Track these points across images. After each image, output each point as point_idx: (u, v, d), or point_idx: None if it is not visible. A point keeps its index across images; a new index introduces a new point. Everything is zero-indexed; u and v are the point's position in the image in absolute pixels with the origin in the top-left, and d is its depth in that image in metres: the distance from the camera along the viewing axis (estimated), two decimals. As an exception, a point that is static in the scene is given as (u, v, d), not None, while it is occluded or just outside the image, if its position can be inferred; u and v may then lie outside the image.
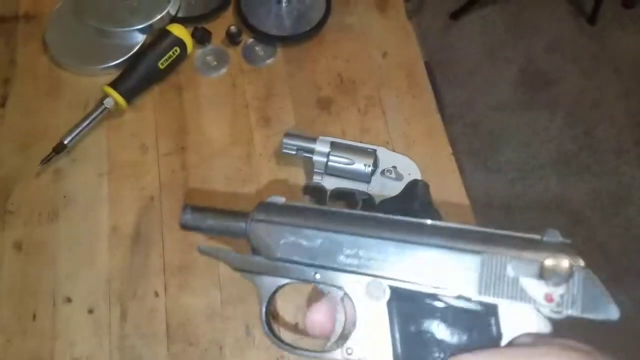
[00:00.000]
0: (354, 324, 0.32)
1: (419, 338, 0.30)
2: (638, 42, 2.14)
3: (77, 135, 0.76)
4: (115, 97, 0.77)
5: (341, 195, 0.73)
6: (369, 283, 0.31)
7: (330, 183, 0.73)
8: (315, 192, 0.74)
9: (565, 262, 0.27)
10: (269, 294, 0.38)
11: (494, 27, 2.20)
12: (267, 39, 0.86)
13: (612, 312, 0.27)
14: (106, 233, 0.72)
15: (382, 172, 0.73)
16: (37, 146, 0.76)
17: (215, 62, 0.84)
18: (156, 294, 0.69)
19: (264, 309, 0.39)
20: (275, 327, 0.37)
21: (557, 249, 0.28)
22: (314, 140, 0.74)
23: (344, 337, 0.33)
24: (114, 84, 0.77)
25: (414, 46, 0.88)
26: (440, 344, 0.29)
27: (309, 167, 0.74)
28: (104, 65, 0.82)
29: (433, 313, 0.29)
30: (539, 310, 0.27)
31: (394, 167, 0.73)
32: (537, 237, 0.29)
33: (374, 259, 0.32)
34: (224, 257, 0.40)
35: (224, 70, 0.84)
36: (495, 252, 0.28)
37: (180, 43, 0.81)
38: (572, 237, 0.29)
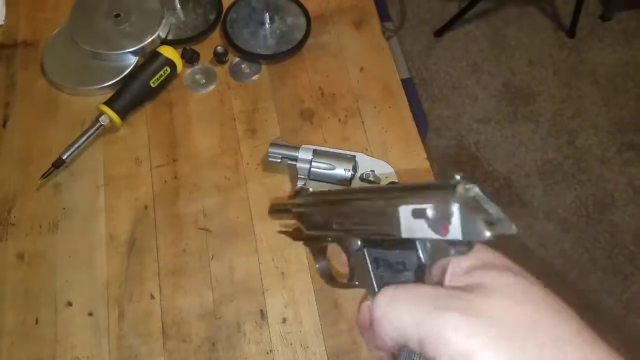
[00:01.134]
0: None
1: (386, 269, 0.40)
2: (615, 53, 2.22)
3: (74, 150, 0.81)
4: (110, 115, 0.82)
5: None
6: (351, 240, 0.42)
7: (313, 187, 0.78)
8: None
9: (446, 196, 0.32)
10: (315, 254, 0.53)
11: (477, 43, 2.27)
12: (252, 58, 0.92)
13: (483, 235, 0.30)
14: (104, 241, 0.77)
15: (361, 176, 0.78)
16: (37, 163, 0.81)
17: (203, 80, 0.90)
18: (152, 296, 0.74)
19: (317, 265, 0.53)
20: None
21: (445, 189, 0.32)
22: (297, 148, 0.79)
23: (352, 274, 0.44)
24: (108, 102, 0.83)
25: (388, 61, 0.93)
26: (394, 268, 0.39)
27: (294, 173, 0.79)
28: (99, 86, 0.87)
29: (386, 250, 0.40)
30: (446, 241, 0.33)
31: (372, 171, 0.78)
32: (433, 183, 0.36)
33: (345, 222, 0.43)
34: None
35: (212, 87, 0.89)
36: (406, 201, 0.35)
37: (171, 63, 0.86)
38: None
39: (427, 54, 2.25)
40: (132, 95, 0.84)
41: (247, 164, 0.83)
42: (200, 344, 0.71)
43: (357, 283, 0.43)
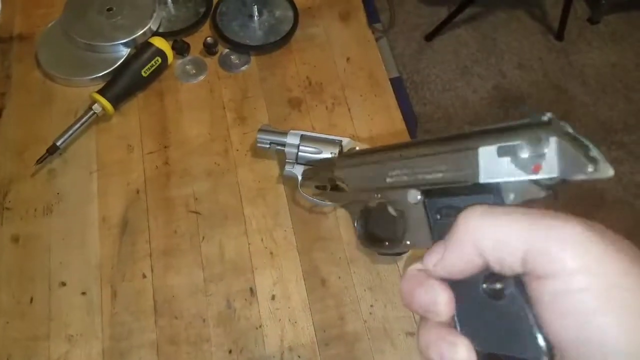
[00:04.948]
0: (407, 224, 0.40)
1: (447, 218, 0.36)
2: (603, 55, 2.25)
3: (68, 137, 0.83)
4: (103, 103, 0.84)
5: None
6: (408, 192, 0.39)
7: (301, 171, 0.80)
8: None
9: (540, 133, 0.29)
10: (357, 215, 0.49)
11: (467, 47, 2.31)
12: (242, 49, 0.94)
13: (585, 168, 0.28)
14: (96, 224, 0.79)
15: (348, 159, 0.80)
16: (32, 150, 0.84)
17: (194, 71, 0.92)
18: (144, 276, 0.75)
19: (357, 226, 0.49)
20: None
21: (537, 125, 0.30)
22: (285, 134, 0.81)
23: (403, 234, 0.41)
24: (101, 91, 0.85)
25: (374, 51, 0.96)
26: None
27: (282, 158, 0.81)
28: (92, 77, 0.90)
29: (453, 197, 0.36)
30: (534, 182, 0.30)
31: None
32: (519, 122, 0.32)
33: (406, 174, 0.40)
34: (325, 194, 0.59)
35: (202, 77, 0.92)
36: (487, 142, 0.32)
37: (162, 54, 0.89)
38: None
39: (417, 58, 2.28)
40: (124, 85, 0.87)
41: (237, 150, 0.86)
42: (191, 320, 0.72)
43: (407, 242, 0.40)
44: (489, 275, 0.31)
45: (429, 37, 2.30)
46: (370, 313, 0.73)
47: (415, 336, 0.70)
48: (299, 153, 0.79)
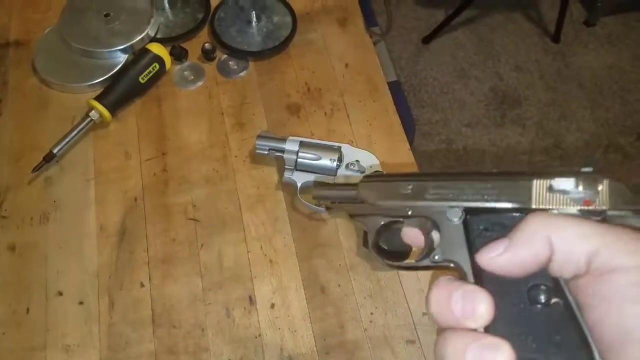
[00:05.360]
0: (439, 241, 0.40)
1: (499, 232, 0.37)
2: (599, 57, 2.26)
3: (65, 144, 0.82)
4: (100, 110, 0.84)
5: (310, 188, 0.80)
6: (448, 208, 0.40)
7: (300, 178, 0.80)
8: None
9: (595, 176, 0.33)
10: (375, 229, 0.48)
11: (464, 49, 2.31)
12: (240, 55, 0.94)
13: (632, 201, 0.32)
14: (94, 232, 0.78)
15: (347, 166, 0.80)
16: (29, 157, 0.83)
17: (192, 77, 0.92)
18: (142, 285, 0.75)
19: (372, 241, 0.48)
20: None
21: (587, 172, 0.34)
22: (284, 140, 0.80)
23: (431, 250, 0.41)
24: (98, 98, 0.84)
25: (372, 57, 0.96)
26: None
27: (281, 165, 0.81)
28: (89, 83, 0.89)
29: (503, 216, 0.37)
30: (581, 212, 0.33)
31: (357, 160, 0.80)
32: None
33: (451, 193, 0.40)
34: (339, 198, 0.54)
35: (200, 83, 0.91)
36: (541, 177, 0.35)
37: (159, 60, 0.88)
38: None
39: (415, 60, 2.28)
40: (121, 91, 0.86)
41: (235, 156, 0.85)
42: (190, 329, 0.72)
43: (436, 257, 0.40)
44: (534, 283, 0.32)
45: (427, 40, 2.30)
46: (371, 321, 0.73)
47: (415, 344, 0.70)
48: (298, 159, 0.79)
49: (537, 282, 0.32)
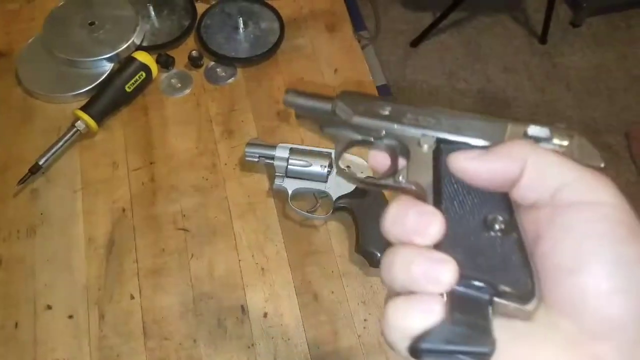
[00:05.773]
0: (405, 165, 0.40)
1: None
2: (586, 57, 2.27)
3: (51, 156, 0.81)
4: (86, 120, 0.83)
5: (301, 195, 0.79)
6: (422, 135, 0.39)
7: (290, 185, 0.79)
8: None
9: (571, 131, 0.35)
10: (344, 145, 0.46)
11: (452, 52, 2.31)
12: (227, 61, 0.93)
13: (599, 162, 0.33)
14: (82, 244, 0.77)
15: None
16: (14, 169, 0.81)
17: (179, 84, 0.91)
18: (132, 297, 0.74)
19: (339, 155, 0.46)
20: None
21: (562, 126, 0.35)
22: (274, 147, 0.80)
23: (395, 172, 0.40)
24: (84, 108, 0.83)
25: (361, 62, 0.95)
26: None
27: (271, 172, 0.80)
28: (74, 93, 0.88)
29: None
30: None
31: (348, 166, 0.80)
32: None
33: (428, 121, 0.40)
34: (313, 109, 0.48)
35: (187, 91, 0.90)
36: (517, 123, 0.36)
37: (146, 68, 0.87)
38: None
39: (403, 64, 2.28)
40: (107, 100, 0.85)
41: (225, 164, 0.84)
42: (182, 341, 0.71)
43: (400, 178, 0.40)
44: (491, 214, 0.33)
45: (415, 43, 2.30)
46: (364, 327, 0.72)
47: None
48: (289, 166, 0.78)
49: (494, 213, 0.33)
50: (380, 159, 0.43)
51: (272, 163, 0.79)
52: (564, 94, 2.17)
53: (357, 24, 1.02)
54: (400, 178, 0.39)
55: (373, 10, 1.03)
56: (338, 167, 0.47)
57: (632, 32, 2.33)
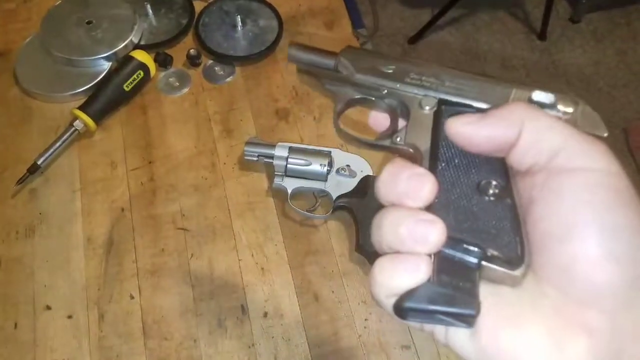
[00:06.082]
0: (405, 126, 0.40)
1: None
2: (585, 53, 2.27)
3: (49, 156, 0.81)
4: (84, 119, 0.82)
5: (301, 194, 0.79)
6: (424, 96, 0.39)
7: (290, 184, 0.79)
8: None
9: (576, 99, 0.35)
10: (345, 101, 0.45)
11: (450, 49, 2.31)
12: (226, 60, 0.93)
13: (603, 131, 0.34)
14: (81, 244, 0.77)
15: (337, 171, 0.79)
16: (12, 169, 0.81)
17: (177, 83, 0.91)
18: (131, 297, 0.73)
19: (338, 111, 0.45)
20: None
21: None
22: (273, 146, 0.79)
23: (394, 132, 0.40)
24: (82, 107, 0.83)
25: (361, 58, 0.95)
26: None
27: (271, 171, 0.80)
28: (72, 92, 0.88)
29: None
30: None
31: (348, 165, 0.79)
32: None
33: (431, 82, 0.39)
34: (315, 65, 0.48)
35: (186, 90, 0.90)
36: (522, 88, 0.36)
37: (144, 67, 0.87)
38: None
39: (402, 61, 2.27)
40: (105, 100, 0.85)
41: (224, 163, 0.84)
42: (182, 341, 0.71)
43: (398, 139, 0.39)
44: (487, 179, 0.33)
45: (413, 40, 2.29)
46: (365, 327, 0.72)
47: (410, 349, 0.70)
48: (288, 165, 0.78)
49: (489, 178, 0.33)
50: (380, 120, 0.43)
51: (272, 162, 0.79)
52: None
53: (356, 22, 1.02)
54: (398, 139, 0.39)
55: (371, 7, 1.02)
56: (337, 126, 0.46)
57: (632, 28, 2.32)
